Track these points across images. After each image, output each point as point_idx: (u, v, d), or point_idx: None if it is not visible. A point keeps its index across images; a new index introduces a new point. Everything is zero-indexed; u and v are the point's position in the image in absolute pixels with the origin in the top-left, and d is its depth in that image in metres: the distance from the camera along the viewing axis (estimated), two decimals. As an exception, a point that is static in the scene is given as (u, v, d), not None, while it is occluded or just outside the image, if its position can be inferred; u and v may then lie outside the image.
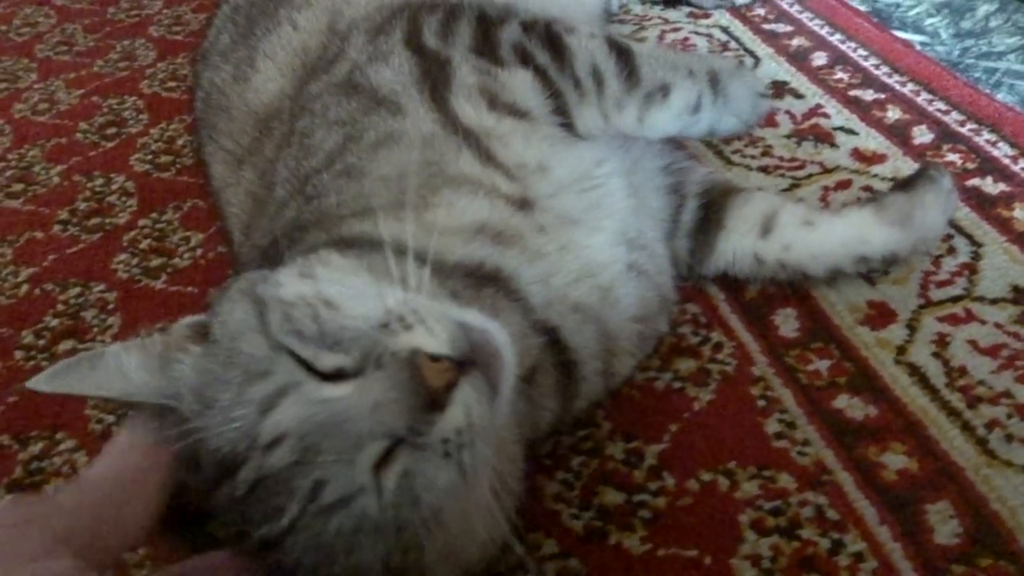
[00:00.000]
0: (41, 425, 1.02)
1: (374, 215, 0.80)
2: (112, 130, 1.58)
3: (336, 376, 0.61)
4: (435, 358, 0.59)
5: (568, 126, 0.94)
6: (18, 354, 1.13)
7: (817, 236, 0.98)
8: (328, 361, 0.61)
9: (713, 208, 1.03)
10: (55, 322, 1.16)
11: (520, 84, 0.91)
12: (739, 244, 1.01)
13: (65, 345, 1.12)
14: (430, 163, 0.84)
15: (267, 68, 1.04)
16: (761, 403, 0.91)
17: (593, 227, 0.89)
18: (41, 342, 1.14)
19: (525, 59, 0.91)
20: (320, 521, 0.60)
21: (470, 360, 0.62)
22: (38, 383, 0.64)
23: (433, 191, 0.82)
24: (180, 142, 1.51)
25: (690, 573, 0.77)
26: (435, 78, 0.87)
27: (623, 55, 0.99)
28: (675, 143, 1.14)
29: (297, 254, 0.77)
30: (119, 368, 0.66)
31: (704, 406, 0.92)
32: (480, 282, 0.80)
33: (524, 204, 0.85)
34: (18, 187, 1.46)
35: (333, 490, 0.59)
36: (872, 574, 0.75)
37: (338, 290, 0.66)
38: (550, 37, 0.94)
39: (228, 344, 0.65)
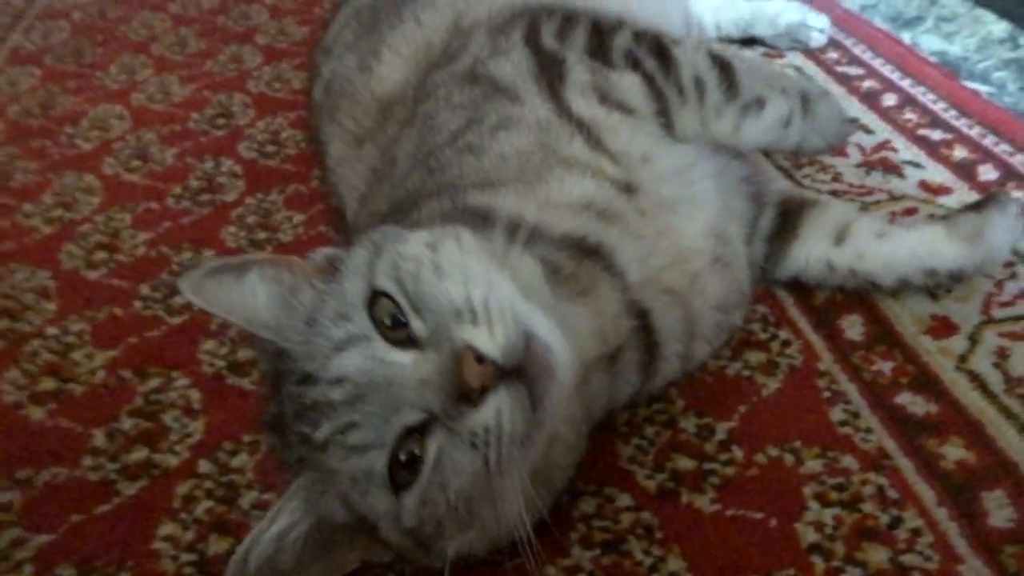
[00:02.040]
0: (159, 363, 1.12)
1: (493, 187, 0.90)
2: (221, 121, 1.71)
3: (404, 342, 0.71)
4: (481, 359, 0.67)
5: (668, 128, 1.03)
6: (137, 304, 1.23)
7: (889, 247, 1.05)
8: (414, 321, 0.70)
9: (789, 217, 1.11)
10: (171, 279, 1.27)
11: (629, 85, 1.01)
12: (813, 251, 1.08)
13: (179, 300, 1.23)
14: (544, 145, 0.94)
15: (391, 59, 1.15)
16: (826, 394, 0.98)
17: (689, 217, 0.98)
18: (157, 295, 1.24)
19: (635, 65, 1.01)
20: (340, 454, 0.70)
21: (519, 370, 0.69)
22: (190, 281, 0.74)
23: (547, 169, 0.91)
24: (284, 135, 1.63)
25: (756, 532, 0.84)
26: (551, 74, 0.97)
27: (725, 68, 1.08)
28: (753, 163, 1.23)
29: (426, 220, 0.87)
30: (252, 294, 0.77)
31: (772, 393, 0.99)
32: (583, 254, 0.89)
33: (628, 188, 0.94)
34: (136, 164, 1.59)
35: (358, 435, 0.69)
36: (929, 547, 0.80)
37: (449, 263, 0.74)
38: (659, 47, 1.03)
39: (341, 279, 0.75)
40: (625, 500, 0.88)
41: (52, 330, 1.20)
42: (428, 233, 0.78)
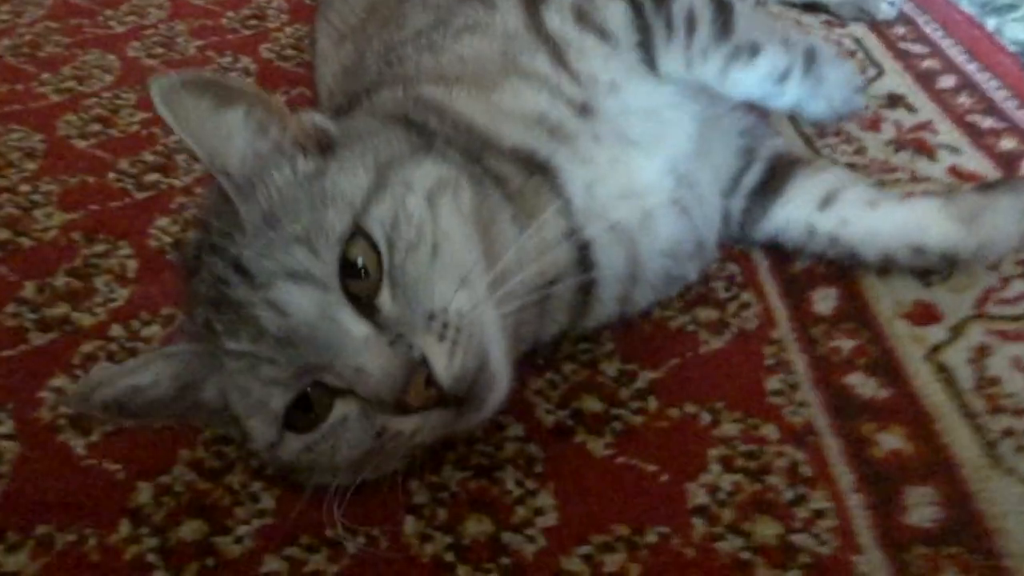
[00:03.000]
0: (110, 231, 1.12)
1: (446, 84, 0.85)
2: (253, 22, 1.70)
3: (363, 305, 0.65)
4: (430, 382, 0.64)
5: (650, 64, 0.95)
6: (111, 175, 1.24)
7: (876, 217, 0.94)
8: (385, 290, 0.66)
9: (777, 174, 1.01)
10: (151, 158, 1.26)
11: (614, 11, 0.93)
12: (794, 213, 0.98)
13: (151, 177, 1.22)
14: (506, 54, 0.88)
15: None
16: (770, 362, 0.88)
17: (648, 152, 0.89)
18: (133, 170, 1.24)
19: None
20: (243, 371, 0.67)
21: (458, 399, 0.66)
22: (163, 87, 0.65)
23: (504, 77, 0.86)
24: (307, 41, 1.61)
25: (642, 484, 0.76)
26: None
27: (722, 7, 0.99)
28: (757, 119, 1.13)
29: (378, 110, 0.83)
30: (228, 134, 0.68)
31: (711, 351, 0.90)
32: (530, 169, 0.83)
33: (584, 109, 0.87)
34: (159, 51, 1.60)
35: (269, 371, 0.65)
36: (828, 531, 0.71)
37: (447, 245, 0.69)
38: None
39: (324, 180, 0.69)
40: (517, 430, 0.82)
41: (24, 187, 1.21)
42: (432, 166, 0.73)
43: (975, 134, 1.26)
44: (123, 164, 1.25)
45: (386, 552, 0.72)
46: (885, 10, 1.59)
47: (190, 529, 0.75)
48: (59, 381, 0.89)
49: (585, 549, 0.71)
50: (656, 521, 0.73)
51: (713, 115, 1.00)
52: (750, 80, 0.98)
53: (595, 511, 0.74)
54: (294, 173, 0.70)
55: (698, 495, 0.75)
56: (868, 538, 0.71)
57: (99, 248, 1.09)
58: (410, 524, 0.74)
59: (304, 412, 0.68)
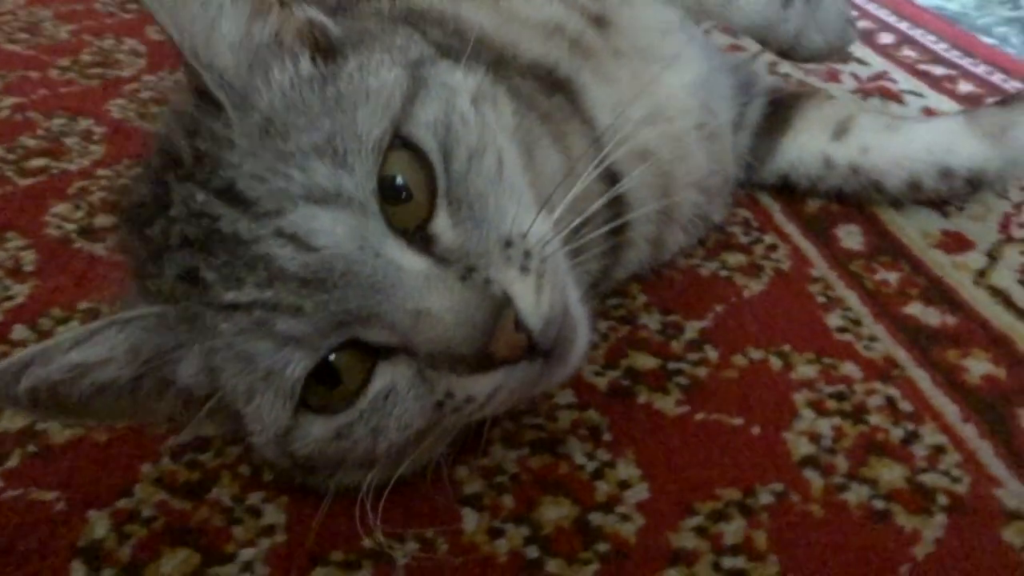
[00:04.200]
0: (-9, 222, 0.89)
1: None
2: (133, 6, 1.48)
3: (412, 237, 0.50)
4: (519, 325, 0.48)
5: None
6: (-18, 164, 1.00)
7: (899, 140, 0.87)
8: (441, 214, 0.51)
9: (782, 107, 0.93)
10: (32, 143, 1.04)
11: None
12: (808, 144, 0.90)
13: (37, 162, 1.00)
14: None
15: None
16: (821, 299, 0.79)
17: (671, 68, 0.79)
18: (11, 156, 1.01)
19: None
20: (245, 330, 0.49)
21: (546, 350, 0.51)
22: None
23: None
24: None
25: (733, 439, 0.64)
26: None
27: None
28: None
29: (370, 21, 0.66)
30: (216, 12, 0.50)
31: (755, 295, 0.80)
32: (552, 88, 0.70)
33: (601, 22, 0.76)
34: (22, 36, 1.36)
35: (288, 324, 0.48)
36: (956, 467, 0.61)
37: (511, 164, 0.55)
38: None
39: (348, 93, 0.52)
40: (567, 397, 0.68)
41: None
42: (463, 75, 0.58)
43: (931, 81, 1.24)
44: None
45: (449, 556, 0.55)
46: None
47: (175, 562, 0.55)
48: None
49: (694, 521, 0.58)
50: (765, 479, 0.61)
51: (710, 47, 0.92)
52: (756, 3, 0.90)
53: (691, 476, 0.61)
54: (298, 73, 0.53)
55: (800, 445, 0.63)
56: (1000, 469, 0.61)
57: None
58: (470, 519, 0.58)
59: (328, 387, 0.51)
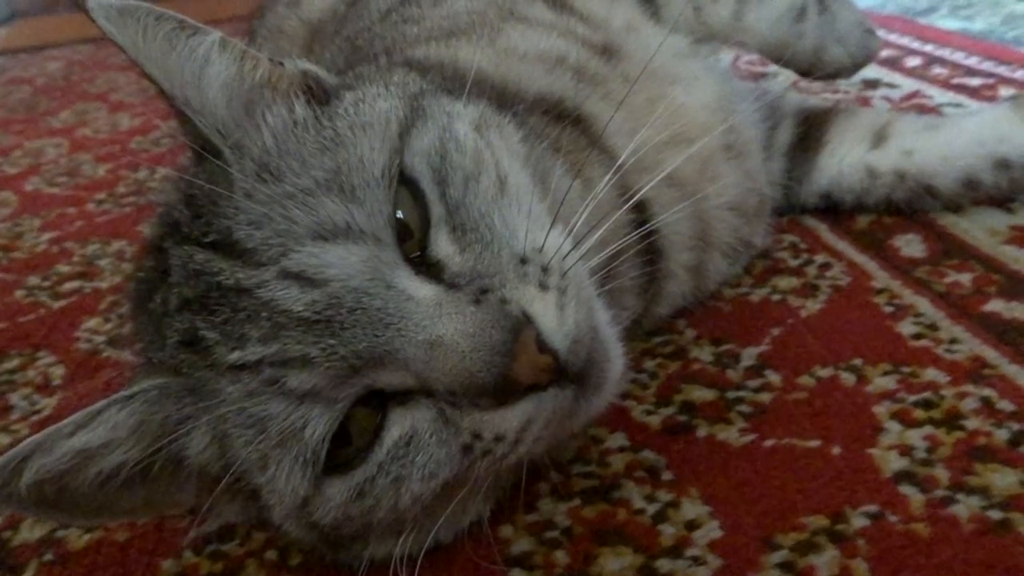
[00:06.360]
0: (25, 344, 0.88)
1: (439, 39, 0.71)
2: (167, 141, 1.54)
3: (417, 266, 0.47)
4: (543, 347, 0.44)
5: (655, 16, 0.84)
6: (19, 293, 1.01)
7: (943, 137, 0.82)
8: (441, 241, 0.48)
9: (813, 126, 0.89)
10: (67, 268, 1.05)
11: None
12: (847, 157, 0.85)
13: (71, 285, 1.01)
14: (500, 6, 0.75)
15: None
16: (888, 309, 0.72)
17: (687, 88, 0.75)
18: (46, 283, 1.02)
19: None
20: (257, 392, 0.45)
21: (576, 373, 0.46)
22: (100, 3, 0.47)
23: (503, 21, 0.73)
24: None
25: (812, 462, 0.56)
26: None
27: None
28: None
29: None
30: (203, 58, 0.49)
31: (813, 313, 0.73)
32: (560, 120, 0.67)
33: (606, 50, 0.74)
34: (62, 179, 1.41)
35: (301, 379, 0.45)
36: (1080, 464, 0.53)
37: (514, 179, 0.52)
38: None
39: (346, 130, 0.50)
40: (617, 440, 0.62)
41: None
42: (465, 107, 0.55)
43: (970, 92, 1.18)
44: (33, 280, 1.03)
45: (500, 625, 0.48)
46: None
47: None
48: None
49: (779, 556, 0.50)
50: (855, 501, 0.53)
51: (724, 72, 0.89)
52: (767, 19, 0.86)
53: (767, 507, 0.53)
54: (292, 117, 0.51)
55: (890, 460, 0.55)
56: None
57: (11, 363, 0.85)
58: (521, 581, 0.51)
59: (335, 445, 0.46)
